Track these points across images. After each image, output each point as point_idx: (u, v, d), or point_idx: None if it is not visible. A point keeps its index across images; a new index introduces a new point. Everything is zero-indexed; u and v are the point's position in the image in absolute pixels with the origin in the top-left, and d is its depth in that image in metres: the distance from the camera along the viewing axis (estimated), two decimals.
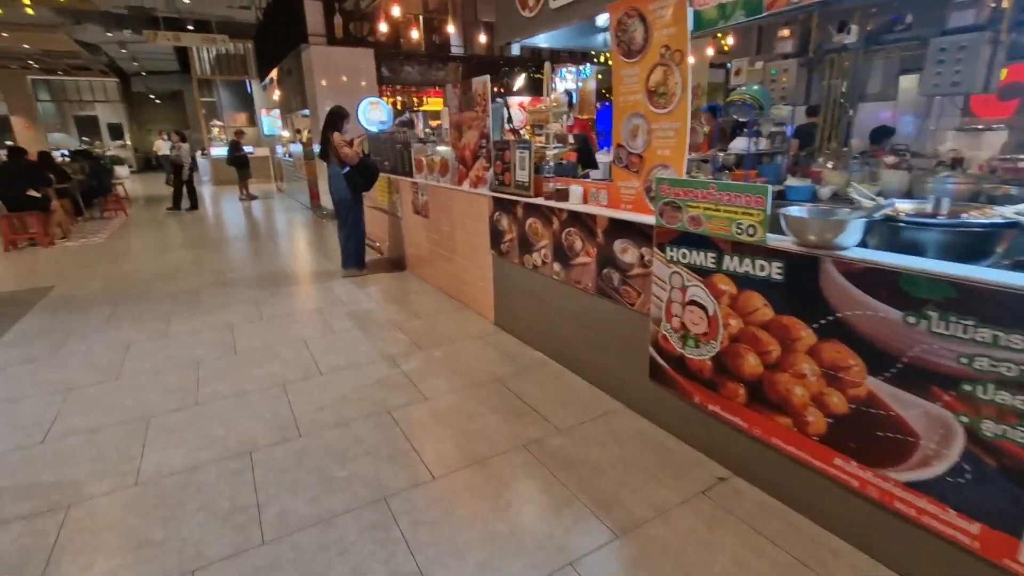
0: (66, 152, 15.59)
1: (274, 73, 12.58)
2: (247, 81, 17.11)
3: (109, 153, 19.62)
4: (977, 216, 1.82)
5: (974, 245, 1.73)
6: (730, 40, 9.82)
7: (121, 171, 17.19)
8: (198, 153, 16.81)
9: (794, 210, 1.85)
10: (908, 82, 5.24)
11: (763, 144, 4.22)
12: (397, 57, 9.57)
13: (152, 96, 24.32)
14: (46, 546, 1.86)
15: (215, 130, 17.50)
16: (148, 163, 23.01)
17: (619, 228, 2.56)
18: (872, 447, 1.65)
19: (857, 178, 3.57)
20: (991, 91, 2.87)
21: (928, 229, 1.78)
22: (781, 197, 3.06)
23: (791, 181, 3.50)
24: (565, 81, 8.70)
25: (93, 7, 12.16)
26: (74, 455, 2.40)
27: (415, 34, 8.45)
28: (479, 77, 3.61)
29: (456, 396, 2.85)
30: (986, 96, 3.58)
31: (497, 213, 3.60)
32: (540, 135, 3.65)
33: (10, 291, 5.17)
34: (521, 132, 3.97)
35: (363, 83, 9.02)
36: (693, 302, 2.18)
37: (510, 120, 3.64)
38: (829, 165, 4.03)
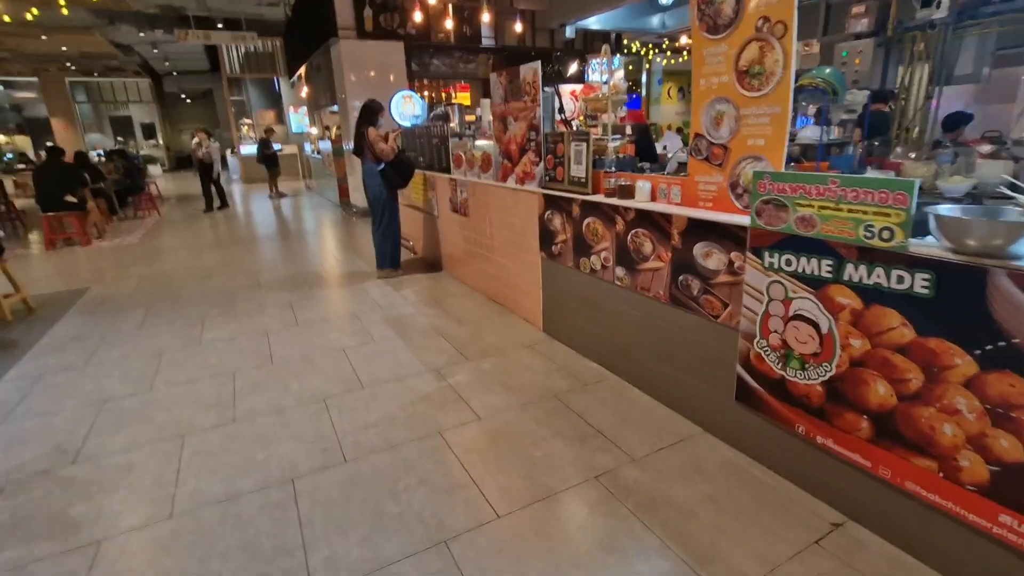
0: (102, 152, 15.89)
1: (302, 70, 12.50)
2: (275, 79, 17.14)
3: (143, 153, 20.00)
4: None
5: None
6: None
7: (154, 170, 17.46)
8: (228, 151, 16.95)
9: (947, 209, 1.52)
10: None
11: (834, 133, 3.83)
12: (427, 50, 9.33)
13: (183, 96, 24.72)
14: None
15: (244, 128, 17.61)
16: (180, 162, 23.41)
17: (701, 229, 2.25)
18: None
19: (950, 170, 3.18)
20: None
21: None
22: None
23: (872, 173, 3.13)
24: (596, 73, 8.34)
25: (126, 7, 12.25)
26: (106, 479, 2.22)
27: (449, 23, 8.16)
28: (528, 64, 3.32)
29: (513, 415, 2.59)
30: None
31: (548, 212, 3.32)
32: (593, 126, 3.35)
33: (49, 292, 5.12)
34: (573, 123, 3.67)
35: (392, 77, 8.81)
36: (799, 317, 1.86)
37: (561, 110, 3.35)
38: (911, 156, 3.64)
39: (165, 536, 1.89)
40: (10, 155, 18.13)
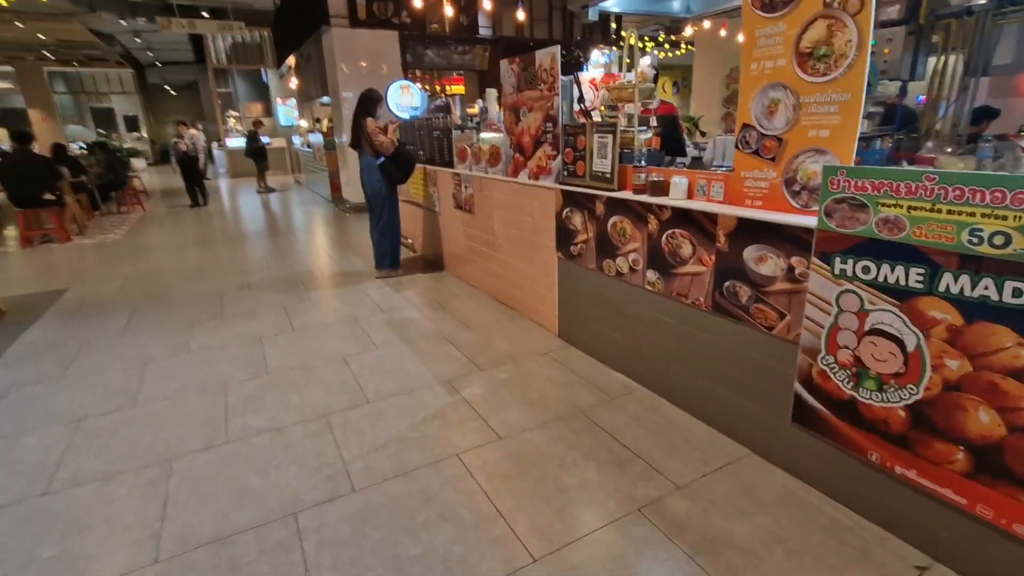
0: (83, 144, 15.34)
1: (292, 60, 12.10)
2: (263, 70, 16.67)
3: (126, 146, 19.39)
4: None
5: None
6: None
7: (138, 163, 16.95)
8: (214, 145, 16.46)
9: None
10: None
11: (865, 126, 3.63)
12: (422, 40, 9.00)
13: (168, 87, 24.03)
14: None
15: (231, 121, 17.11)
16: (164, 155, 22.77)
17: (754, 231, 2.02)
18: None
19: (993, 165, 2.98)
20: None
21: None
22: None
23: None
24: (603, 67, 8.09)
25: None
26: (81, 514, 1.95)
27: (449, 10, 7.82)
28: (545, 49, 3.06)
29: (537, 435, 2.35)
30: None
31: (567, 209, 3.07)
32: (613, 117, 3.10)
33: (23, 294, 4.78)
34: (593, 114, 3.42)
35: (385, 68, 8.48)
36: (878, 332, 1.64)
37: (581, 99, 3.10)
38: (947, 150, 3.44)
39: None
40: None
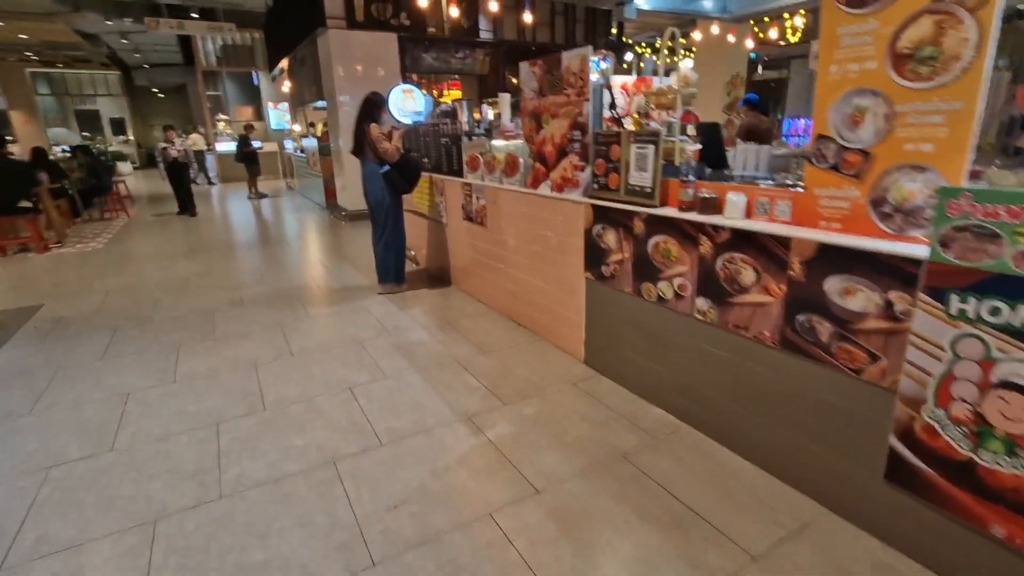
0: (67, 148, 14.84)
1: (285, 63, 11.77)
2: (254, 73, 16.29)
3: (112, 149, 18.84)
4: None
5: None
6: (797, 21, 8.97)
7: (123, 167, 16.46)
8: (204, 149, 16.01)
9: None
10: None
11: None
12: (421, 43, 8.73)
13: (155, 90, 23.51)
14: None
15: (220, 124, 16.69)
16: (151, 159, 22.22)
17: (839, 259, 1.75)
18: None
19: None
20: None
21: None
22: None
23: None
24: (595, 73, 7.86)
25: None
26: None
27: (453, 11, 7.52)
28: (574, 50, 2.80)
29: (579, 487, 2.06)
30: None
31: (599, 226, 2.80)
32: (646, 124, 2.85)
33: None
34: (625, 121, 3.16)
35: (382, 72, 8.18)
36: (1011, 385, 1.38)
37: (613, 106, 2.84)
38: (997, 162, 3.22)
39: None
40: None
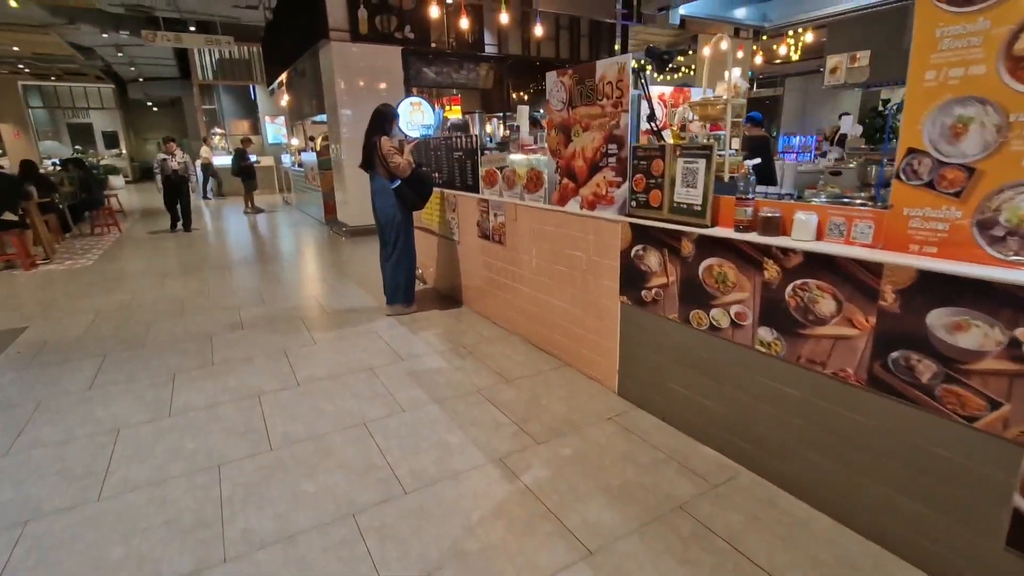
0: (57, 161, 14.53)
1: (284, 76, 11.61)
2: (252, 86, 16.14)
3: (104, 162, 18.54)
4: None
5: None
6: (808, 37, 8.93)
7: (116, 181, 16.14)
8: (198, 163, 15.76)
9: None
10: None
11: None
12: (425, 56, 8.58)
13: (150, 103, 23.31)
14: None
15: (216, 138, 16.46)
16: (144, 172, 21.91)
17: (946, 288, 1.53)
18: None
19: None
20: None
21: None
22: None
23: None
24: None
25: (88, 4, 11.15)
26: None
27: (464, 23, 7.38)
28: (610, 59, 2.60)
29: (637, 547, 1.80)
30: None
31: (639, 247, 2.57)
32: (682, 137, 2.66)
33: None
34: (663, 134, 2.96)
35: (382, 86, 8.00)
36: None
37: (652, 118, 2.64)
38: None
39: None
40: None
